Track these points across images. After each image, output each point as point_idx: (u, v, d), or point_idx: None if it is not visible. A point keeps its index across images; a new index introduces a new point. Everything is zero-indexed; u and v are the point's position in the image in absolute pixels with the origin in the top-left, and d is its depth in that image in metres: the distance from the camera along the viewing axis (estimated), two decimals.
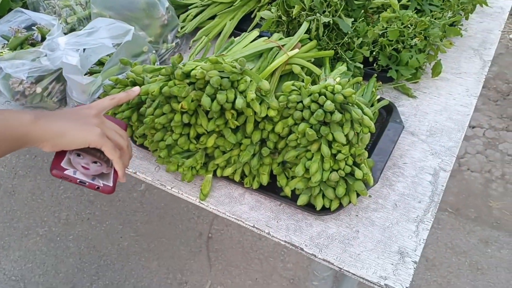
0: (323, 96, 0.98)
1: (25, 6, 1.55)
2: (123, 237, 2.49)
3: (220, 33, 1.60)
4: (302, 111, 1.01)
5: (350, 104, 1.00)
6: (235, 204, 1.10)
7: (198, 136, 1.09)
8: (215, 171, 1.13)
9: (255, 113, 1.00)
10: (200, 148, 1.09)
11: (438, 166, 1.17)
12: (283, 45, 1.21)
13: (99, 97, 1.21)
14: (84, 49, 1.22)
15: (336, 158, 1.00)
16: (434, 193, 1.10)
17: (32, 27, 1.40)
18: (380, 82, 1.39)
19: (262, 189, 1.10)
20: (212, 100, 0.99)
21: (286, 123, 1.03)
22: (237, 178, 1.11)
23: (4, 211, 2.64)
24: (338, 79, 1.15)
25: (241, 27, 1.66)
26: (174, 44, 1.51)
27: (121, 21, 1.24)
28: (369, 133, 1.03)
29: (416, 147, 1.22)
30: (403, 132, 1.23)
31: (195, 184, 1.15)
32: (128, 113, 1.15)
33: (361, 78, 1.31)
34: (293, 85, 1.03)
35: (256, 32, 1.32)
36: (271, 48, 1.19)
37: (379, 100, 1.30)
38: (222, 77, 0.98)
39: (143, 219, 2.57)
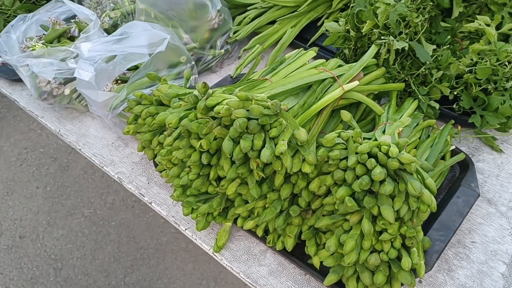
0: (372, 160, 0.76)
1: None
2: (163, 232, 2.41)
3: (277, 42, 1.40)
4: (345, 170, 0.80)
5: (408, 172, 0.77)
6: (253, 263, 0.93)
7: (220, 178, 0.92)
8: (236, 219, 0.96)
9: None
10: (220, 192, 0.92)
11: None
12: (339, 76, 1.00)
13: (123, 111, 1.07)
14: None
15: (380, 238, 0.78)
16: None
17: (71, 20, 1.29)
18: (459, 127, 1.13)
19: (287, 251, 0.91)
20: (235, 143, 0.81)
21: (324, 181, 0.83)
22: (259, 232, 0.92)
23: (55, 186, 2.67)
24: (400, 130, 0.92)
25: (303, 36, 1.45)
26: (223, 51, 1.34)
27: (158, 26, 1.09)
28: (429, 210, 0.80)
29: (492, 222, 0.97)
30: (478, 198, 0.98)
31: (212, 230, 0.99)
32: (149, 136, 1.00)
33: (434, 121, 1.07)
34: (338, 136, 0.82)
35: (312, 53, 1.11)
36: (324, 79, 0.98)
37: (453, 152, 1.05)
38: (250, 119, 0.80)
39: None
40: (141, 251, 2.35)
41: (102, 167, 1.13)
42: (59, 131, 1.22)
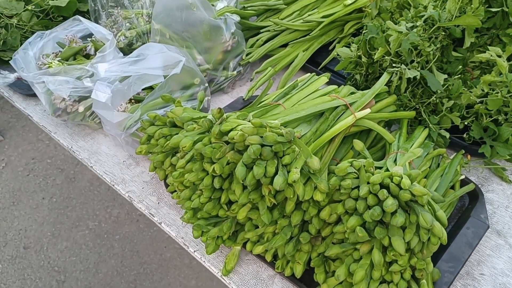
0: (384, 190, 0.77)
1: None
2: (167, 248, 2.41)
3: (289, 65, 1.42)
4: (356, 199, 0.81)
5: (419, 204, 0.78)
6: None
7: (230, 201, 0.92)
8: (245, 242, 0.96)
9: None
10: (230, 216, 0.93)
11: None
12: (351, 103, 1.01)
13: (136, 131, 1.08)
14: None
15: (390, 269, 0.79)
16: None
17: (88, 39, 1.31)
18: (469, 157, 1.14)
19: (296, 277, 0.91)
20: (248, 169, 0.82)
21: (335, 209, 0.83)
22: (268, 257, 0.93)
23: (61, 197, 2.68)
24: (411, 160, 0.93)
25: (315, 60, 1.47)
26: (235, 72, 1.35)
27: (174, 48, 1.10)
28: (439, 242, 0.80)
29: (501, 254, 0.97)
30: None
31: (221, 252, 0.99)
32: (161, 157, 1.01)
33: (444, 150, 1.08)
34: (351, 164, 0.83)
35: (324, 79, 1.12)
36: (336, 107, 0.99)
37: (462, 182, 1.06)
38: (264, 145, 0.81)
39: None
40: (144, 266, 2.34)
41: (113, 185, 1.14)
42: (72, 147, 1.24)
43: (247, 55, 1.39)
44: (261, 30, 1.49)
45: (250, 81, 1.41)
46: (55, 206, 2.64)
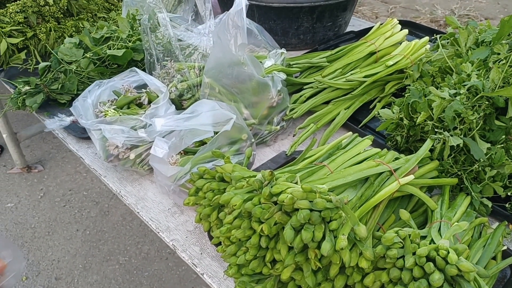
0: (431, 264, 0.78)
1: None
2: None
3: (331, 121, 1.46)
4: (401, 269, 0.82)
5: (465, 279, 0.79)
6: None
7: (274, 260, 0.95)
8: None
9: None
10: (273, 274, 0.95)
11: None
12: (396, 169, 1.04)
13: (185, 183, 1.13)
14: None
15: None
16: None
17: (142, 89, 1.39)
18: (510, 226, 1.14)
19: None
20: (296, 232, 0.85)
21: (379, 277, 0.85)
22: None
23: (94, 230, 2.74)
24: (456, 230, 0.94)
25: (355, 117, 1.51)
26: (278, 127, 1.40)
27: (225, 105, 1.16)
28: None
29: None
30: None
31: None
32: (208, 210, 1.05)
33: (486, 219, 1.08)
34: (396, 233, 0.85)
35: (368, 141, 1.16)
36: (381, 172, 1.02)
37: (504, 253, 1.05)
38: (312, 210, 0.84)
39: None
40: None
41: (158, 232, 1.18)
42: (120, 192, 1.29)
43: (290, 110, 1.44)
44: (305, 87, 1.55)
45: (293, 136, 1.45)
46: (88, 238, 2.70)
